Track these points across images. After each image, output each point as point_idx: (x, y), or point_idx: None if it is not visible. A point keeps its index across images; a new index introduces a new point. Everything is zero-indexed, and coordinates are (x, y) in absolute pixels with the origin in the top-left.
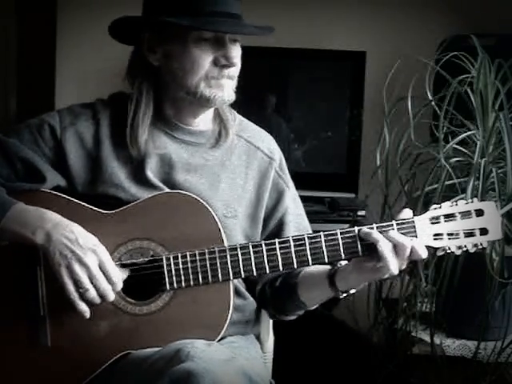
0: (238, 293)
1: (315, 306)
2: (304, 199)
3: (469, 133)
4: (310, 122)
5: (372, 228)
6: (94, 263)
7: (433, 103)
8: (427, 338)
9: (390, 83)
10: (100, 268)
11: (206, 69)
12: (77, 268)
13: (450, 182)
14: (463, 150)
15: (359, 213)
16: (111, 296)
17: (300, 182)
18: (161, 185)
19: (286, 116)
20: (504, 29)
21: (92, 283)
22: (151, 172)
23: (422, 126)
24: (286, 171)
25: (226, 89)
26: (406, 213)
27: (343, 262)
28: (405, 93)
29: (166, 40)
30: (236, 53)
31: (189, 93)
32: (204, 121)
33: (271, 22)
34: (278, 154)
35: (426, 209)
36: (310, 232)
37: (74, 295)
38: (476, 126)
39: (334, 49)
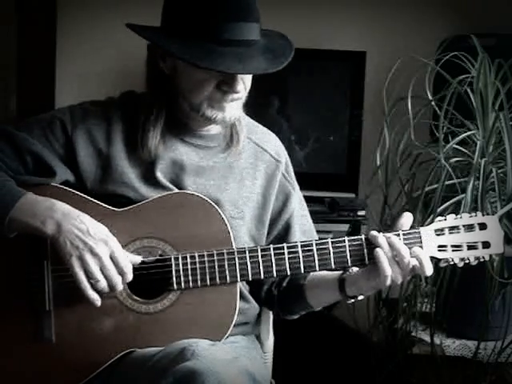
0: (242, 296)
1: (320, 308)
2: (304, 199)
3: (469, 133)
4: (310, 123)
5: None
6: (105, 254)
7: (433, 103)
8: (427, 338)
9: (389, 83)
10: (111, 259)
11: (209, 92)
12: (88, 258)
13: (450, 182)
14: (463, 150)
15: (359, 213)
16: (120, 287)
17: (300, 182)
18: (170, 186)
19: (286, 116)
20: (504, 29)
21: (103, 274)
22: (161, 173)
23: (422, 126)
24: (292, 173)
25: (229, 110)
26: (407, 217)
27: (355, 268)
28: (405, 93)
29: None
30: (241, 83)
31: (192, 109)
32: (215, 126)
33: (271, 21)
34: (284, 157)
35: (425, 209)
36: (315, 233)
37: (86, 285)
38: (476, 126)
39: (334, 49)
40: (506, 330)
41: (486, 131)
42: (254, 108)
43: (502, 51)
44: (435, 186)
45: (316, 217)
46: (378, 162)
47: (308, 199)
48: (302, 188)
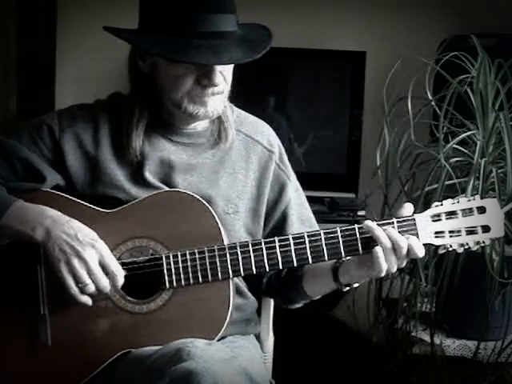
0: (238, 292)
1: (319, 297)
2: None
3: (469, 133)
4: (310, 122)
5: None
6: (93, 258)
7: (433, 103)
8: (427, 338)
9: (389, 83)
10: (100, 263)
11: (188, 87)
12: (75, 263)
13: (450, 182)
14: (463, 150)
15: (359, 213)
16: (109, 290)
17: (300, 181)
18: (160, 185)
19: (285, 116)
20: (504, 29)
21: (91, 278)
22: (150, 173)
23: (422, 126)
24: (287, 162)
25: (211, 104)
26: (407, 208)
27: (348, 257)
28: (405, 93)
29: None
30: (219, 75)
31: (174, 106)
32: (201, 122)
33: (271, 21)
34: (277, 146)
35: (426, 208)
36: (314, 221)
37: (75, 290)
38: (476, 126)
39: (334, 49)
40: (506, 329)
41: (486, 131)
42: (253, 108)
43: (502, 51)
44: (435, 186)
45: (316, 217)
46: (378, 162)
47: (308, 199)
48: (302, 188)
